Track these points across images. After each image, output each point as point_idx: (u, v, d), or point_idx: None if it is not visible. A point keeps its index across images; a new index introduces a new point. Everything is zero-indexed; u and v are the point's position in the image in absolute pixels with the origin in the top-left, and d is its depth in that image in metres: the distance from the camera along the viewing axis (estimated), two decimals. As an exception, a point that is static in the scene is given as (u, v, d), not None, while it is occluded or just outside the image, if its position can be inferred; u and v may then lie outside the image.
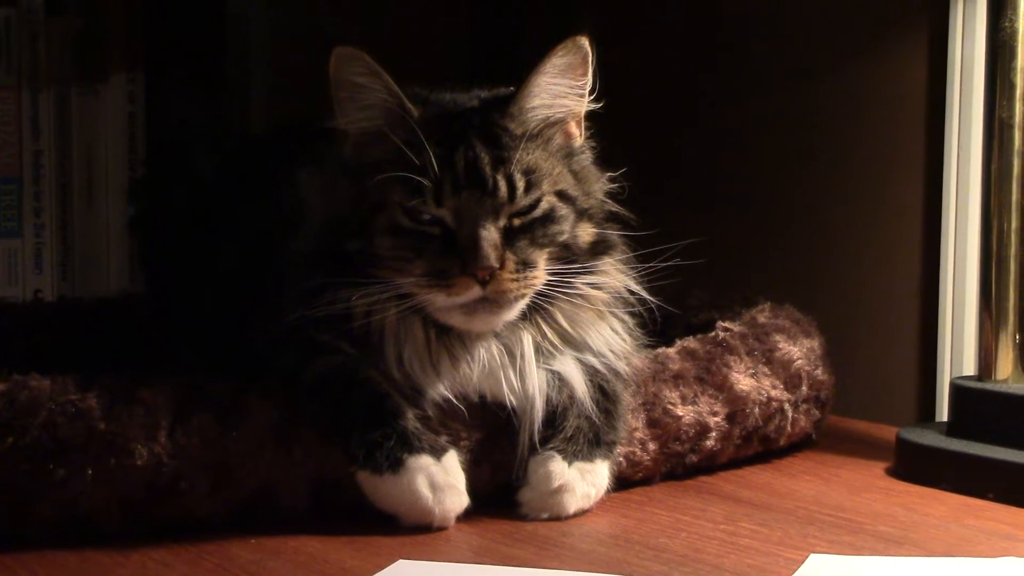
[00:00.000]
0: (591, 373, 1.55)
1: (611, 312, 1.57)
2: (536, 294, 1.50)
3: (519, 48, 2.49)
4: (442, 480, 1.44)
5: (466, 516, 1.47)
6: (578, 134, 1.57)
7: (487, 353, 1.51)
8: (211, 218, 1.85)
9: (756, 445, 1.73)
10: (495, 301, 1.47)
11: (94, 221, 2.33)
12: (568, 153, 1.55)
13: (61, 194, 2.31)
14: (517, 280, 1.47)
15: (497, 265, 1.45)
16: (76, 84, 2.31)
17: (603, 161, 1.59)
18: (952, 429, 1.71)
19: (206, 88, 2.39)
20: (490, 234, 1.46)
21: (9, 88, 2.28)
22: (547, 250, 1.50)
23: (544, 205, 1.50)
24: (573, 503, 1.50)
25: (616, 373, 1.57)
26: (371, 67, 1.49)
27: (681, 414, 1.63)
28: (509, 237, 1.48)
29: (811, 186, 2.14)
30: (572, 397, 1.53)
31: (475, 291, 1.46)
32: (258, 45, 2.48)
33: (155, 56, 2.34)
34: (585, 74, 1.52)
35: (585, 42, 1.50)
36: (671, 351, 1.69)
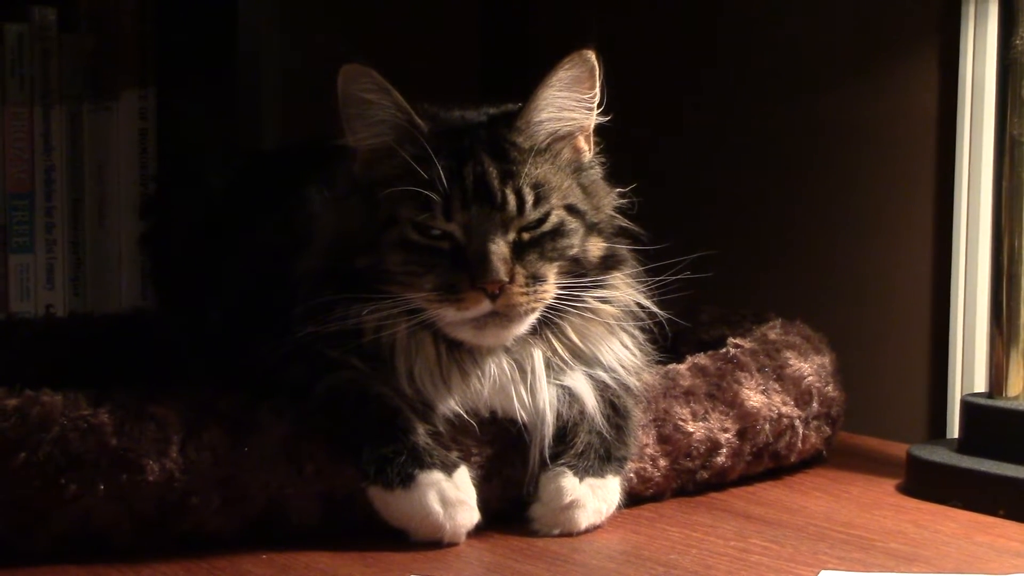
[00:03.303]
0: (602, 388, 1.55)
1: (621, 327, 1.57)
2: (546, 309, 1.50)
3: (531, 66, 2.49)
4: (453, 496, 1.45)
5: (477, 532, 1.47)
6: (587, 149, 1.57)
7: (498, 368, 1.51)
8: (222, 234, 1.86)
9: (767, 461, 1.73)
10: (505, 315, 1.47)
11: (106, 237, 2.34)
12: (577, 167, 1.55)
13: (73, 210, 2.32)
14: (527, 294, 1.47)
15: (507, 279, 1.46)
16: (88, 100, 2.31)
17: (612, 176, 1.59)
18: (963, 446, 1.71)
19: (217, 105, 2.39)
20: (499, 248, 1.46)
21: (21, 104, 2.28)
22: (557, 264, 1.50)
23: (553, 219, 1.50)
24: (585, 519, 1.50)
25: (627, 388, 1.57)
26: (379, 83, 1.49)
27: (692, 430, 1.63)
28: (519, 251, 1.48)
29: (822, 202, 2.14)
30: (583, 412, 1.53)
31: (485, 305, 1.46)
32: (270, 62, 2.49)
33: (167, 73, 2.35)
34: (592, 88, 1.52)
35: (591, 55, 1.50)
36: (682, 367, 1.69)
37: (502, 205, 1.48)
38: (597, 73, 1.51)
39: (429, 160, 1.48)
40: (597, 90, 1.52)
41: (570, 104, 1.53)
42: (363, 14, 2.48)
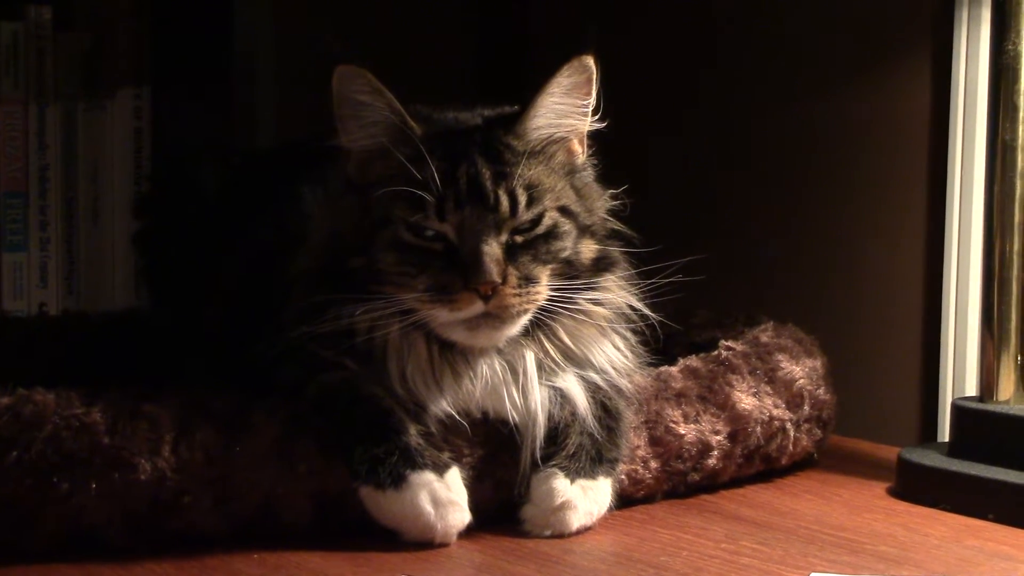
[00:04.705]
0: (593, 390, 1.55)
1: (613, 329, 1.57)
2: (538, 310, 1.50)
3: (528, 66, 2.50)
4: (444, 496, 1.45)
5: (468, 532, 1.47)
6: (580, 151, 1.57)
7: (490, 369, 1.51)
8: (216, 234, 1.86)
9: (758, 464, 1.73)
10: (497, 316, 1.47)
11: (99, 236, 2.34)
12: (570, 170, 1.56)
13: (67, 208, 2.32)
14: (519, 295, 1.48)
15: (499, 280, 1.46)
16: (83, 99, 2.32)
17: (606, 178, 1.59)
18: (953, 450, 1.71)
19: (212, 104, 2.39)
20: (492, 249, 1.47)
21: (16, 102, 2.28)
22: (549, 266, 1.51)
23: (547, 221, 1.51)
24: (576, 520, 1.50)
25: (618, 390, 1.57)
26: (374, 85, 1.49)
27: (683, 432, 1.63)
28: (511, 252, 1.48)
29: (814, 206, 2.14)
30: (574, 414, 1.53)
31: (477, 306, 1.46)
32: (264, 62, 2.49)
33: (162, 72, 2.35)
34: (589, 93, 1.53)
35: (590, 62, 1.51)
36: (673, 369, 1.70)
37: (495, 206, 1.48)
38: (594, 79, 1.52)
39: (423, 161, 1.48)
40: (593, 96, 1.53)
41: (567, 110, 1.53)
42: (360, 14, 2.48)
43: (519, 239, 1.49)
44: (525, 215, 1.49)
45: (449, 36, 2.56)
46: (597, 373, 1.55)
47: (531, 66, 2.44)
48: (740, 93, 2.24)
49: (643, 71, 2.28)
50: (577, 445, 1.52)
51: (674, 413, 1.64)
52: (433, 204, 1.47)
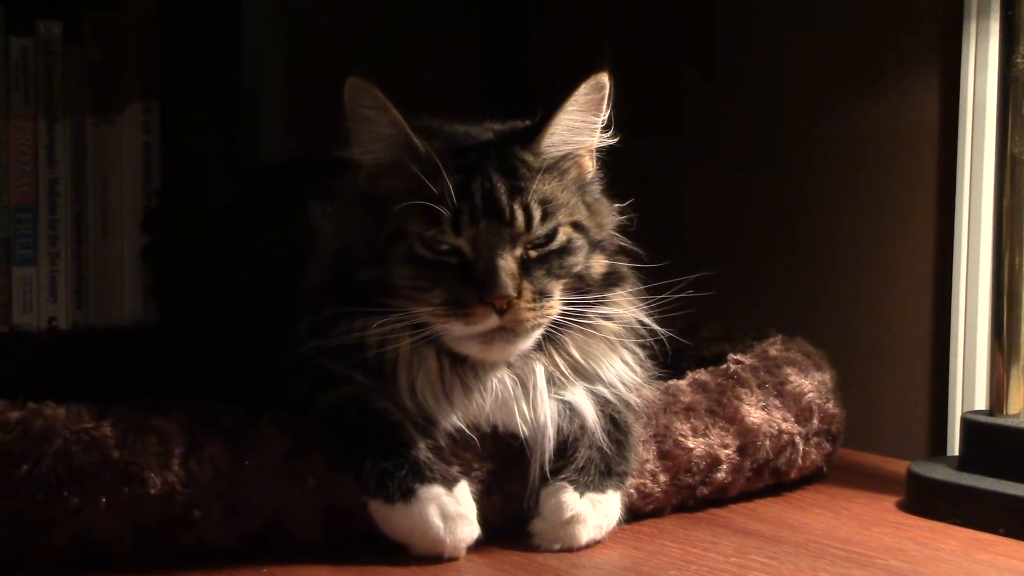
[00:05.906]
0: (602, 404, 1.55)
1: (622, 343, 1.57)
2: (550, 324, 1.51)
3: (531, 73, 2.50)
4: (453, 510, 1.45)
5: (477, 546, 1.47)
6: (591, 167, 1.58)
7: (500, 383, 1.51)
8: (224, 247, 1.86)
9: (767, 478, 1.73)
10: (512, 330, 1.47)
11: (109, 250, 2.34)
12: (581, 185, 1.56)
13: (76, 223, 2.32)
14: (534, 309, 1.48)
15: (515, 294, 1.46)
16: (92, 114, 2.32)
17: (611, 190, 1.60)
18: (963, 464, 1.71)
19: (221, 118, 2.40)
20: (507, 263, 1.47)
21: (26, 117, 2.29)
22: (562, 281, 1.51)
23: (561, 236, 1.51)
24: (585, 534, 1.50)
25: (627, 404, 1.57)
26: (381, 100, 1.50)
27: (692, 446, 1.63)
28: (526, 267, 1.49)
29: (823, 219, 2.14)
30: (583, 428, 1.53)
31: (492, 320, 1.46)
32: (272, 76, 2.50)
33: (171, 87, 2.36)
34: (602, 110, 1.53)
35: (606, 79, 1.52)
36: (682, 383, 1.70)
37: (511, 220, 1.48)
38: (608, 95, 1.52)
39: (438, 175, 1.48)
40: (606, 112, 1.54)
41: (582, 127, 1.54)
42: (368, 24, 2.49)
43: (533, 254, 1.50)
44: (540, 230, 1.50)
45: (456, 39, 2.57)
46: (606, 387, 1.55)
47: (535, 69, 2.44)
48: (747, 107, 2.24)
49: (649, 85, 2.28)
50: (586, 459, 1.52)
51: (683, 427, 1.64)
52: (448, 218, 1.48)
